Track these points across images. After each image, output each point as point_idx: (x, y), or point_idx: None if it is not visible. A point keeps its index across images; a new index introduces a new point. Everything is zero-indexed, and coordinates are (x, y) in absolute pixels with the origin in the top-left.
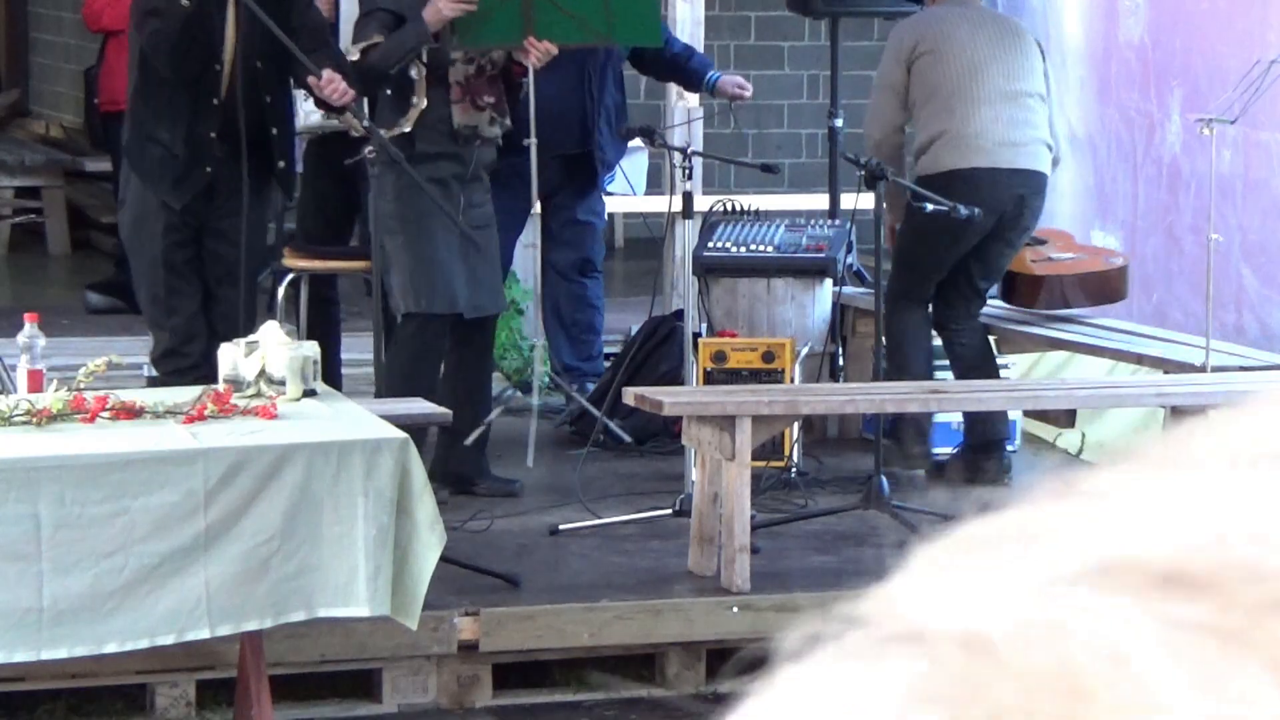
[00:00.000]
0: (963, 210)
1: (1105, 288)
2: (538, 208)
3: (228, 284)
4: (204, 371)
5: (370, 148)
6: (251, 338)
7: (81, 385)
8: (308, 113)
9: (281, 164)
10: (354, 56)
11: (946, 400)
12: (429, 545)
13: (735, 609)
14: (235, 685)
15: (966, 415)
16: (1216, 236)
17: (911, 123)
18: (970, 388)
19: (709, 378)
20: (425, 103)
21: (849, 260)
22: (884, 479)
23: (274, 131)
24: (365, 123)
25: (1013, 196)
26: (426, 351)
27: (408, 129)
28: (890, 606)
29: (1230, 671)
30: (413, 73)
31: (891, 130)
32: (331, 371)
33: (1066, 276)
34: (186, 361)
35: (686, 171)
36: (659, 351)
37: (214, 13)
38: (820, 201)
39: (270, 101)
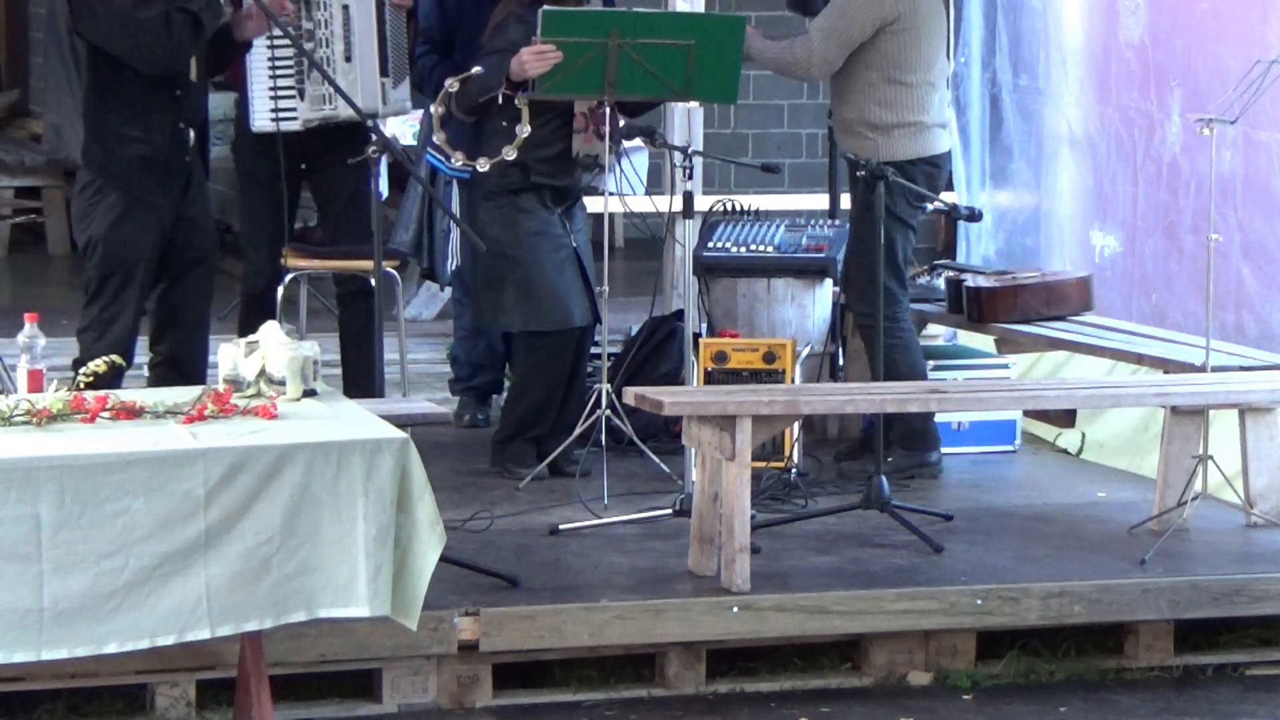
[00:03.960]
0: (963, 210)
1: (1064, 297)
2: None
3: (201, 267)
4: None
5: (374, 147)
6: (252, 338)
7: (81, 385)
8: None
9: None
10: (454, 87)
11: (946, 400)
12: (429, 545)
13: (735, 609)
14: (235, 685)
15: None
16: (1216, 236)
17: (867, 95)
18: (970, 388)
19: (709, 378)
20: (529, 130)
21: None
22: (884, 479)
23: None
24: (369, 121)
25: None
26: (551, 364)
27: (512, 156)
28: None
29: None
30: (517, 102)
31: (826, 75)
32: None
33: (1024, 288)
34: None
35: (686, 171)
36: (659, 351)
37: None
38: (820, 201)
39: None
